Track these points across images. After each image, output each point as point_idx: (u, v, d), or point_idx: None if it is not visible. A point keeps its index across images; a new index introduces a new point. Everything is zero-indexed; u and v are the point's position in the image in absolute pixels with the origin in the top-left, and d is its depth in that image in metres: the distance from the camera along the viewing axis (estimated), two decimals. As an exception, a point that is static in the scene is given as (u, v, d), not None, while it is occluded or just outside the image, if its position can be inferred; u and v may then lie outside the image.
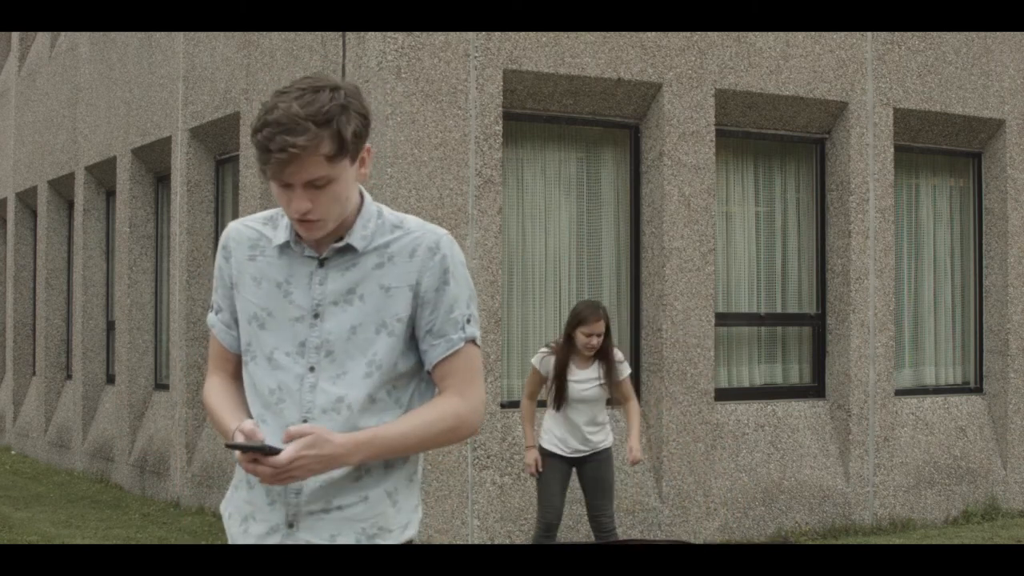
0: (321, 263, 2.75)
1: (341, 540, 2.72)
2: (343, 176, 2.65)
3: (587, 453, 7.35)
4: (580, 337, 7.20)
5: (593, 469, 7.37)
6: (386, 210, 2.81)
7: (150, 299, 12.39)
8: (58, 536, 9.30)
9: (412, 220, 2.80)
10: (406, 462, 2.80)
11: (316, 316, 2.73)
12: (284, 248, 2.78)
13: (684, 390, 9.23)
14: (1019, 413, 10.72)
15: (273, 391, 2.74)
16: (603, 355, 7.30)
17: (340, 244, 2.73)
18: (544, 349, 7.40)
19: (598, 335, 7.19)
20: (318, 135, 2.57)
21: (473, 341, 2.79)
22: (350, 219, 2.75)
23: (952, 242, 10.96)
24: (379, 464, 2.75)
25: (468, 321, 2.78)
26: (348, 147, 2.62)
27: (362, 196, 2.78)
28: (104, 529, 9.73)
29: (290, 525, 2.73)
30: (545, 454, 7.35)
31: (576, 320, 7.23)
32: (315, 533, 2.72)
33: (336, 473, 2.71)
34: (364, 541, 2.73)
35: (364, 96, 2.74)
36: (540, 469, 7.28)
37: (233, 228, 2.86)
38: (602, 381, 7.29)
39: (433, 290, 2.74)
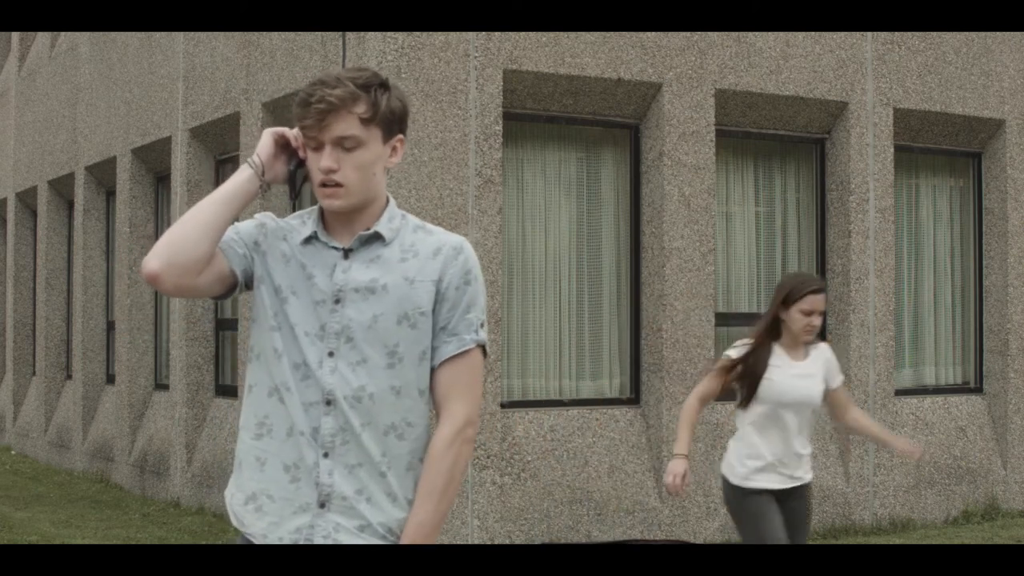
0: (346, 255, 2.82)
1: (367, 534, 2.75)
2: (372, 146, 2.78)
3: (795, 485, 5.52)
4: (797, 317, 5.41)
5: (797, 498, 5.55)
6: (409, 215, 2.92)
7: (150, 299, 12.39)
8: (58, 536, 9.30)
9: (433, 226, 2.91)
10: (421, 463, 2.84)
11: (337, 302, 2.78)
12: (310, 240, 2.85)
13: (684, 390, 9.22)
14: (1019, 413, 10.71)
15: (298, 366, 2.78)
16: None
17: (368, 232, 2.81)
18: (746, 340, 5.58)
19: (820, 313, 5.43)
20: (355, 93, 2.73)
21: (483, 348, 2.85)
22: (377, 212, 2.84)
23: (952, 242, 10.96)
24: (402, 466, 2.79)
25: (481, 325, 2.85)
26: (381, 116, 2.76)
27: (388, 199, 2.89)
28: (104, 529, 9.73)
29: (322, 505, 2.75)
30: (747, 493, 5.47)
31: (789, 296, 5.43)
32: (345, 516, 2.75)
33: (364, 465, 2.75)
34: (386, 534, 2.77)
35: (406, 96, 2.88)
36: (685, 485, 5.51)
37: (267, 214, 2.94)
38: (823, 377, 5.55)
39: (454, 288, 2.82)
